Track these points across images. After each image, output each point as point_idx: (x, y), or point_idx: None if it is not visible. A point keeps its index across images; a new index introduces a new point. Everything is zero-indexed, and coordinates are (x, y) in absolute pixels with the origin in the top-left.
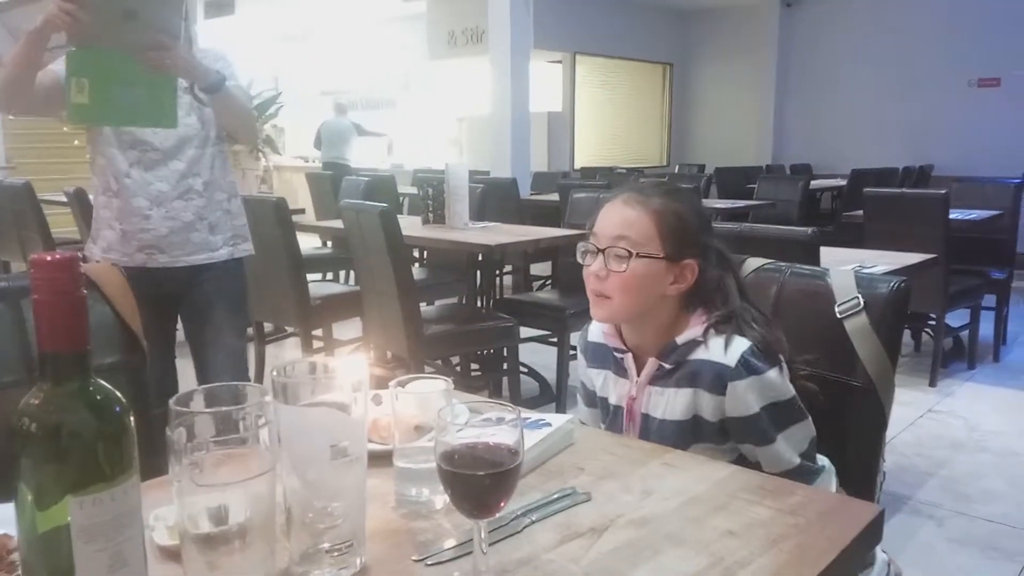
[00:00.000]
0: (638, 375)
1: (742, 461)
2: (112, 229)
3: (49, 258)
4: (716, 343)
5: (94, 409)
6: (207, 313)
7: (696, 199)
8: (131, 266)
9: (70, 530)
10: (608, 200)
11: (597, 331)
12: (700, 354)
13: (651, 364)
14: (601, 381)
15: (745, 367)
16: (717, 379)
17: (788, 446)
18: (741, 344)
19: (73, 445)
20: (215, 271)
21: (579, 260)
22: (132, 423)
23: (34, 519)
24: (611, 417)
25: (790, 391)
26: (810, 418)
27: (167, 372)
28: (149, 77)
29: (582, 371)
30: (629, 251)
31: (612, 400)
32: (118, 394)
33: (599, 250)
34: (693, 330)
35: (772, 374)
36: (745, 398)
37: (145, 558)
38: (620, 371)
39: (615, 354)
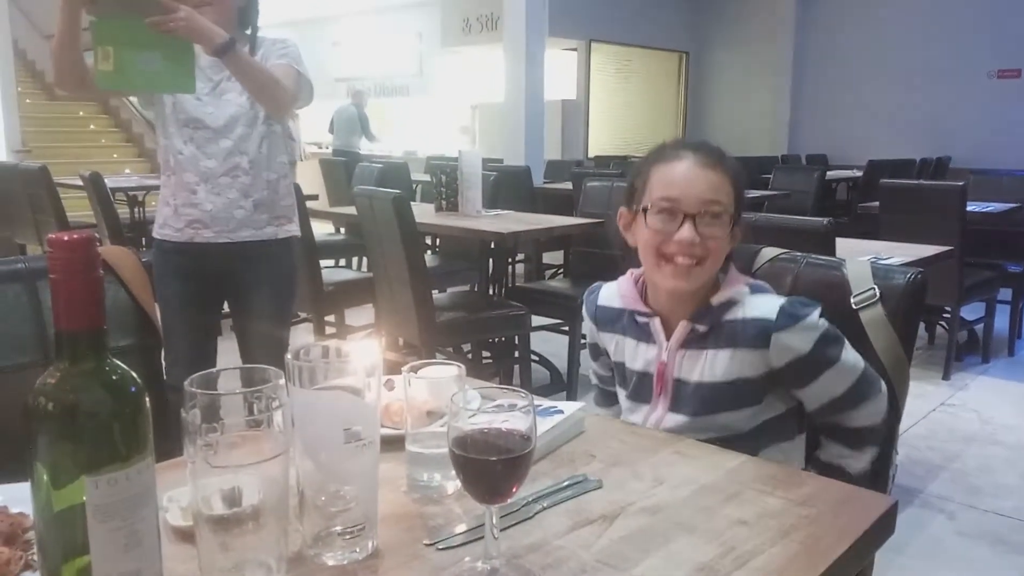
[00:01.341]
0: (667, 339)
1: (769, 430)
2: (168, 205)
3: (66, 238)
4: (752, 300)
5: (110, 389)
6: (250, 300)
7: None
8: (180, 241)
9: (85, 509)
10: (670, 160)
11: (611, 294)
12: (736, 313)
13: (683, 327)
14: (614, 346)
15: (787, 316)
16: (760, 334)
17: (838, 378)
18: (776, 298)
19: (89, 424)
20: (260, 252)
21: (650, 225)
22: (148, 403)
23: (50, 498)
24: (635, 384)
25: (827, 324)
26: (847, 342)
27: (204, 353)
28: (168, 43)
29: (593, 335)
30: (728, 216)
31: (636, 366)
32: (134, 374)
33: (687, 215)
34: (729, 291)
35: (814, 315)
36: (793, 344)
37: (159, 538)
38: (643, 336)
39: (637, 318)
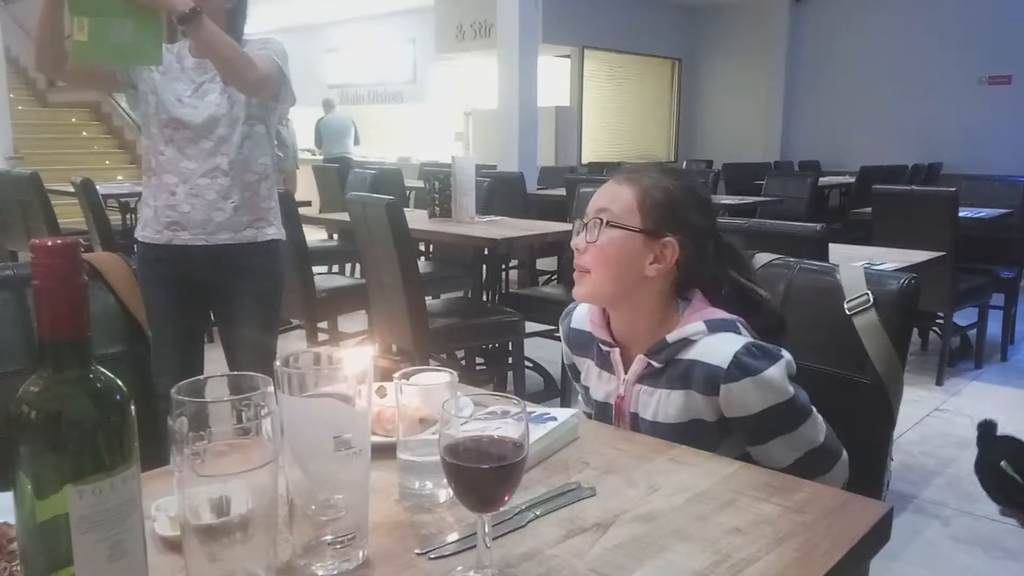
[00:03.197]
0: (625, 372)
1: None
2: (148, 207)
3: (50, 243)
4: (708, 342)
5: (94, 397)
6: (235, 307)
7: (695, 180)
8: (160, 244)
9: (69, 520)
10: None
11: (583, 318)
12: (691, 353)
13: (639, 362)
14: (585, 370)
15: (739, 368)
16: (709, 380)
17: (785, 448)
18: (734, 343)
19: (73, 434)
20: (242, 258)
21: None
22: (133, 412)
23: (33, 508)
24: (597, 413)
25: (789, 390)
26: (815, 413)
27: (191, 361)
28: (138, 13)
29: (569, 356)
30: (602, 220)
31: (598, 396)
32: (119, 382)
33: (584, 224)
34: (685, 328)
35: (771, 372)
36: (742, 399)
37: (145, 549)
38: (606, 365)
39: (600, 346)
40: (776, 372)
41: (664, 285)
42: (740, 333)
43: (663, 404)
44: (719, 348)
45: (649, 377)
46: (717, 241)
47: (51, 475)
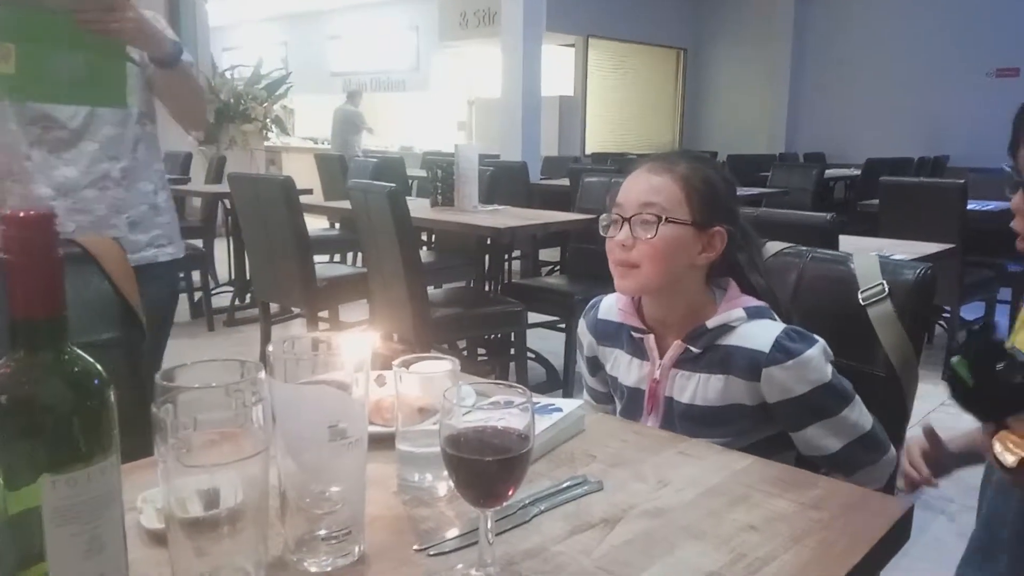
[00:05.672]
0: (660, 357)
1: (759, 448)
2: None
3: (22, 214)
4: (748, 328)
5: (70, 381)
6: None
7: (722, 167)
8: None
9: (42, 512)
10: (630, 171)
11: (610, 308)
12: (731, 339)
13: (677, 347)
14: (612, 361)
15: (780, 351)
16: (751, 366)
17: (830, 433)
18: (774, 328)
19: (46, 420)
20: (138, 282)
21: (601, 232)
22: (112, 398)
23: (5, 500)
24: (627, 400)
25: (829, 372)
26: (859, 400)
27: None
28: (95, 44)
29: (592, 348)
30: (658, 216)
31: (628, 382)
32: (98, 367)
33: (624, 219)
34: (724, 314)
35: (811, 353)
36: (784, 382)
37: (125, 543)
38: (638, 352)
39: (632, 333)
40: (815, 353)
41: (704, 272)
42: (775, 320)
43: (701, 388)
44: (760, 333)
45: (686, 362)
46: (741, 225)
47: (23, 464)
